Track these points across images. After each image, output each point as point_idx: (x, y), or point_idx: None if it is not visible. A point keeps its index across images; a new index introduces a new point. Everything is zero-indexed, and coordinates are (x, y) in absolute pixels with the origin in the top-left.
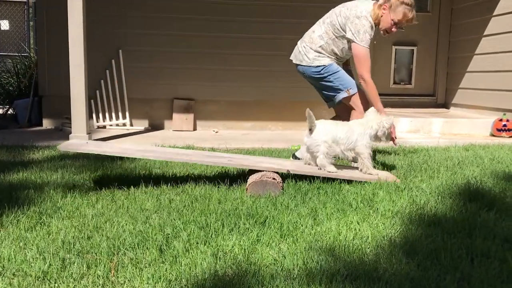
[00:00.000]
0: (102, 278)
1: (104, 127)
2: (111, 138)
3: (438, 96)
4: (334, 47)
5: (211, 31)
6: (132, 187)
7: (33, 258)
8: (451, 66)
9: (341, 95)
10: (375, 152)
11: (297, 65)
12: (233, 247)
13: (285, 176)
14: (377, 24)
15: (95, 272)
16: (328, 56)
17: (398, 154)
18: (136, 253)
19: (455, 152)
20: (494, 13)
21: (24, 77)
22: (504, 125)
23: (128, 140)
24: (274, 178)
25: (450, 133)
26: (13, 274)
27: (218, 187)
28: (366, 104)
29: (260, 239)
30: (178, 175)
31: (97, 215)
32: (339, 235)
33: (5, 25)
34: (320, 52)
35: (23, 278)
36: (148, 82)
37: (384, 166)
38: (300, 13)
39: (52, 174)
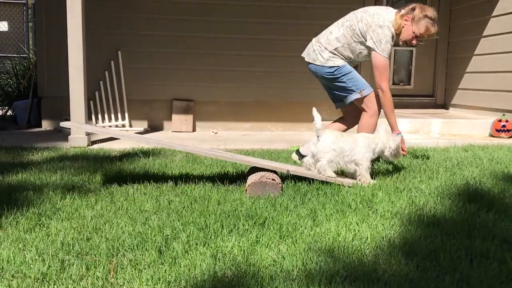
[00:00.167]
0: (101, 279)
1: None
2: (110, 139)
3: (437, 97)
4: (350, 51)
5: (210, 32)
6: (131, 188)
7: (32, 260)
8: (450, 66)
9: (354, 96)
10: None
11: (309, 63)
12: (232, 248)
13: (285, 177)
14: (397, 34)
15: (94, 273)
16: (342, 58)
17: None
18: (135, 255)
19: (454, 153)
20: (493, 14)
21: (23, 78)
22: (503, 126)
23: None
24: (273, 179)
25: (449, 134)
26: (12, 276)
27: (217, 188)
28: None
29: (259, 240)
30: (177, 176)
31: (96, 216)
32: (338, 236)
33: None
34: (334, 54)
35: (22, 280)
36: (147, 83)
37: (384, 167)
38: (299, 14)
39: (51, 175)
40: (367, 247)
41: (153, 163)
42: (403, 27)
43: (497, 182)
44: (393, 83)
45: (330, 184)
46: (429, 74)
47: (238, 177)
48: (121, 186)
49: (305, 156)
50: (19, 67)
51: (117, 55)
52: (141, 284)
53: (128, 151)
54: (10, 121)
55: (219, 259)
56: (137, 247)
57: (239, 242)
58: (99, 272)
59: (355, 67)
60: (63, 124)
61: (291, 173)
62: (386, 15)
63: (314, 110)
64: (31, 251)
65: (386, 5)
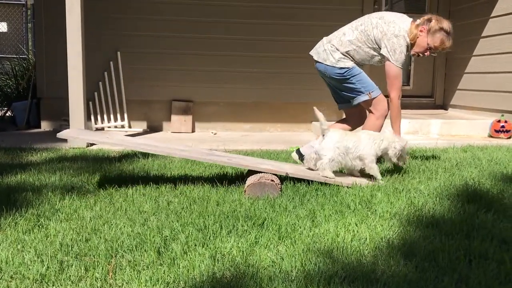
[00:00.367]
0: (100, 280)
1: (103, 129)
2: None
3: (436, 97)
4: (360, 55)
5: (209, 33)
6: (130, 189)
7: (31, 261)
8: (449, 67)
9: (362, 98)
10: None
11: (318, 62)
12: (231, 249)
13: (284, 178)
14: (412, 44)
15: (93, 274)
16: (352, 60)
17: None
18: (134, 256)
19: (453, 153)
20: (492, 15)
21: (22, 79)
22: (502, 126)
23: None
24: (272, 180)
25: (449, 134)
26: (11, 277)
27: (216, 189)
28: (361, 118)
29: (258, 241)
30: (176, 177)
31: (95, 217)
32: (337, 237)
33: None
34: (346, 56)
35: (21, 281)
36: (147, 84)
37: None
38: (298, 15)
39: (50, 176)
40: (366, 248)
41: (152, 164)
42: (417, 37)
43: (496, 182)
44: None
45: (329, 185)
46: (428, 74)
47: (237, 178)
48: (120, 187)
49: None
50: (18, 68)
51: (116, 56)
52: (140, 285)
53: (127, 152)
54: (9, 122)
55: (218, 260)
56: (136, 248)
57: (238, 243)
58: (98, 273)
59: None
60: (60, 135)
61: (289, 175)
62: (402, 24)
63: (316, 109)
64: (30, 252)
65: (386, 5)
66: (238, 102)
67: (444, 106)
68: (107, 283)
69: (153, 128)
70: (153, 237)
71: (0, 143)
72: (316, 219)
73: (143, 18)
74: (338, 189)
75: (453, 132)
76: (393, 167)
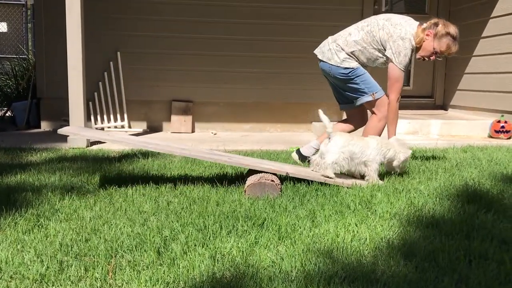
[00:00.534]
0: (100, 280)
1: (103, 129)
2: None
3: (436, 98)
4: (365, 57)
5: (209, 33)
6: (130, 189)
7: (30, 261)
8: (449, 67)
9: (366, 98)
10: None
11: (322, 61)
12: (231, 249)
13: (283, 178)
14: (417, 47)
15: (92, 274)
16: (356, 61)
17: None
18: (134, 256)
19: (453, 154)
20: (492, 15)
21: (22, 79)
22: (502, 127)
23: None
24: (272, 180)
25: (448, 135)
26: (11, 277)
27: (216, 189)
28: (362, 119)
29: (258, 241)
30: (176, 177)
31: (95, 217)
32: (337, 237)
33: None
34: (350, 56)
35: (21, 281)
36: (147, 84)
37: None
38: (298, 15)
39: (50, 176)
40: (366, 248)
41: (152, 164)
42: (424, 41)
43: (496, 183)
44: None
45: (329, 185)
46: (428, 75)
47: (237, 178)
48: (120, 187)
49: (306, 156)
50: (18, 68)
51: (116, 56)
52: (140, 285)
53: (127, 152)
54: (9, 122)
55: (217, 260)
56: (135, 248)
57: (238, 243)
58: (97, 273)
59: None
60: (61, 131)
61: (289, 175)
62: (408, 27)
63: (320, 112)
64: (29, 252)
65: (386, 5)
66: (238, 102)
67: (444, 106)
68: (107, 283)
69: (153, 128)
70: (153, 237)
71: (0, 143)
72: (316, 220)
73: (143, 18)
74: (338, 189)
75: (453, 132)
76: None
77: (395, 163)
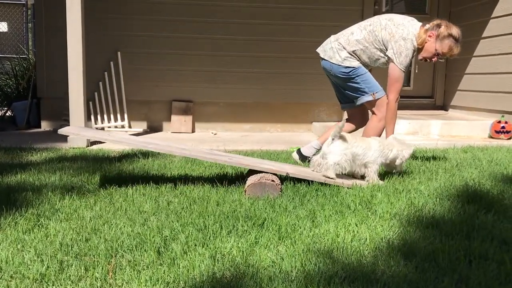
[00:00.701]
0: (100, 280)
1: (103, 129)
2: None
3: (436, 98)
4: (367, 56)
5: (209, 33)
6: (130, 189)
7: (31, 261)
8: (449, 68)
9: (366, 98)
10: None
11: (324, 60)
12: (231, 249)
13: (284, 178)
14: (419, 48)
15: (93, 274)
16: (358, 60)
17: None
18: (134, 255)
19: (454, 154)
20: (493, 15)
21: (23, 79)
22: (503, 127)
23: None
24: (272, 180)
25: (449, 135)
26: (11, 277)
27: (217, 189)
28: (363, 119)
29: (258, 241)
30: (176, 177)
31: (95, 217)
32: (337, 237)
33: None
34: (352, 55)
35: (21, 281)
36: (147, 84)
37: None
38: (298, 16)
39: (50, 176)
40: (366, 248)
41: (152, 164)
42: (426, 42)
43: (496, 183)
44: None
45: (329, 186)
46: (429, 75)
47: (237, 178)
48: (120, 187)
49: (306, 156)
50: (19, 67)
51: (117, 56)
52: (140, 285)
53: (127, 152)
54: (9, 122)
55: (218, 260)
56: (136, 248)
57: (238, 243)
58: (97, 273)
59: (369, 70)
60: (61, 131)
61: (290, 175)
62: (411, 28)
63: (343, 121)
64: (29, 251)
65: (386, 5)
66: (238, 102)
67: (444, 106)
68: (107, 283)
69: (153, 128)
70: (153, 237)
71: (0, 143)
72: (316, 220)
73: (143, 18)
74: (338, 189)
75: (453, 132)
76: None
77: (398, 161)
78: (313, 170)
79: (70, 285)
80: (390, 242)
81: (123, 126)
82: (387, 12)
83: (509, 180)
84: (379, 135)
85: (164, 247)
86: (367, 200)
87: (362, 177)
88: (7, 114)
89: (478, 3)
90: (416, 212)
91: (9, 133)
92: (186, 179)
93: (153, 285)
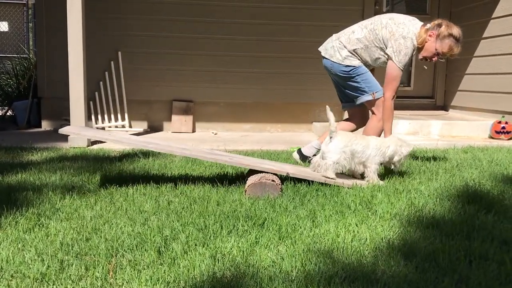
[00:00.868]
0: (101, 279)
1: (103, 128)
2: None
3: (437, 98)
4: (367, 55)
5: (210, 33)
6: (131, 188)
7: (31, 260)
8: (450, 68)
9: (366, 98)
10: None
11: (325, 58)
12: (231, 249)
13: (284, 178)
14: (419, 48)
15: (93, 273)
16: (358, 59)
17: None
18: (134, 255)
19: (454, 154)
20: (493, 16)
21: (23, 78)
22: (503, 127)
23: None
24: (273, 180)
25: (449, 135)
26: (11, 276)
27: (217, 189)
28: (363, 119)
29: (258, 241)
30: (176, 176)
31: (96, 216)
32: (338, 237)
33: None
34: (353, 54)
35: (22, 280)
36: (147, 84)
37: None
38: (298, 15)
39: (51, 175)
40: (366, 248)
41: (152, 164)
42: (426, 42)
43: (496, 183)
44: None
45: (330, 185)
46: (429, 75)
47: (237, 178)
48: (121, 187)
49: (307, 156)
50: (19, 67)
51: (117, 56)
52: (140, 285)
53: (128, 152)
54: (9, 122)
55: (218, 259)
56: (136, 247)
57: (238, 243)
58: (98, 272)
59: (371, 71)
60: (62, 131)
61: (290, 175)
62: (412, 27)
63: (328, 109)
64: (30, 251)
65: (387, 5)
66: (239, 102)
67: (444, 107)
68: (108, 282)
69: (154, 128)
70: (153, 237)
71: (1, 142)
72: (316, 220)
73: (144, 18)
74: (339, 189)
75: (454, 133)
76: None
77: (396, 158)
78: (314, 171)
79: (71, 284)
80: (390, 242)
81: (123, 126)
82: (387, 12)
83: (509, 181)
84: (379, 135)
85: (164, 247)
86: (367, 200)
87: (362, 177)
88: (7, 113)
89: (478, 3)
90: (416, 212)
91: (10, 132)
92: (186, 179)
93: (154, 284)
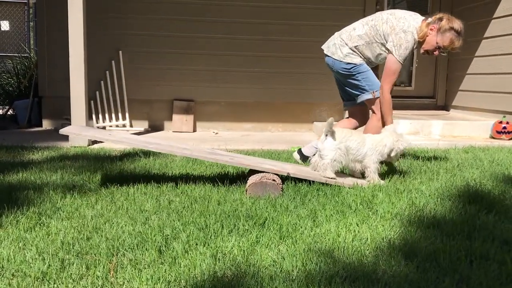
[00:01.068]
0: (101, 279)
1: (104, 128)
2: None
3: (438, 98)
4: (369, 51)
5: (211, 32)
6: (131, 188)
7: (32, 259)
8: (451, 68)
9: (366, 96)
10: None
11: (327, 56)
12: (232, 248)
13: (285, 178)
14: (421, 42)
15: (94, 273)
16: (360, 56)
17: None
18: (135, 254)
19: (455, 154)
20: (495, 16)
21: (24, 77)
22: (504, 128)
23: None
24: (274, 180)
25: (450, 135)
26: (12, 275)
27: (218, 188)
28: (364, 118)
29: (259, 241)
30: (177, 176)
31: (97, 216)
32: (338, 236)
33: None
34: (354, 51)
35: (22, 279)
36: (148, 83)
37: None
38: (299, 15)
39: (52, 174)
40: (367, 248)
41: (153, 163)
42: (427, 36)
43: (497, 183)
44: (394, 84)
45: (330, 185)
46: (430, 75)
47: (238, 177)
48: (122, 186)
49: (307, 156)
50: (20, 66)
51: (118, 55)
52: (141, 284)
53: (129, 151)
54: (10, 121)
55: (219, 259)
56: (137, 246)
57: (239, 242)
58: (99, 271)
59: (374, 68)
60: (62, 131)
61: (291, 175)
62: (412, 21)
63: (331, 119)
64: (31, 250)
65: (388, 5)
66: (240, 101)
67: (445, 107)
68: (108, 281)
69: (154, 127)
70: (154, 236)
71: (2, 142)
72: (317, 219)
73: (144, 17)
74: (340, 189)
75: (455, 133)
76: (394, 168)
77: (393, 153)
78: (314, 170)
79: (72, 283)
80: (391, 242)
81: (124, 125)
82: None
83: (510, 181)
84: None
85: (165, 246)
86: (368, 200)
87: (363, 176)
88: (8, 112)
89: (480, 3)
90: (417, 212)
91: (11, 131)
92: (187, 178)
93: (154, 283)
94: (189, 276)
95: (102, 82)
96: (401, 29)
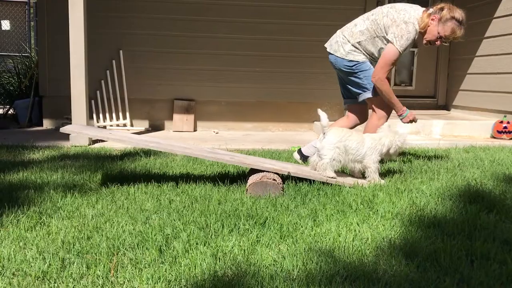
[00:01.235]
0: (102, 278)
1: (105, 127)
2: None
3: (438, 98)
4: (372, 46)
5: (211, 32)
6: (132, 187)
7: (32, 258)
8: (452, 67)
9: (367, 95)
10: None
11: (330, 53)
12: (232, 247)
13: (285, 177)
14: (422, 32)
15: (94, 272)
16: (363, 54)
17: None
18: (135, 254)
19: (456, 154)
20: (495, 15)
21: (25, 77)
22: (505, 127)
23: None
24: (274, 179)
25: (451, 135)
26: (13, 274)
27: (218, 187)
28: (364, 116)
29: (259, 240)
30: (178, 175)
31: (97, 215)
32: (339, 236)
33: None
34: (356, 48)
35: (23, 278)
36: (149, 83)
37: (385, 167)
38: (299, 15)
39: (52, 174)
40: (368, 248)
41: (154, 163)
42: (428, 26)
43: (498, 183)
44: (395, 84)
45: (331, 185)
46: (431, 75)
47: (239, 177)
48: (122, 185)
49: (307, 156)
50: (21, 66)
51: (119, 54)
52: (142, 283)
53: (129, 150)
54: (11, 120)
55: (219, 258)
56: (137, 246)
57: (240, 242)
58: (99, 270)
59: None
60: (63, 129)
61: (291, 174)
62: (413, 12)
63: (319, 110)
64: (31, 249)
65: (387, 2)
66: (240, 101)
67: (446, 106)
68: (109, 280)
69: (155, 127)
70: (154, 235)
71: (2, 141)
72: (317, 219)
73: (145, 16)
74: (340, 189)
75: (456, 132)
76: (394, 168)
77: (392, 151)
78: (314, 170)
79: (72, 282)
80: (391, 242)
81: (125, 125)
82: None
83: (511, 180)
84: None
85: (165, 246)
86: (368, 200)
87: (363, 175)
88: (9, 112)
89: (480, 3)
90: (418, 211)
91: (11, 131)
92: (188, 178)
93: (155, 283)
94: (189, 276)
95: (102, 81)
96: (402, 21)
